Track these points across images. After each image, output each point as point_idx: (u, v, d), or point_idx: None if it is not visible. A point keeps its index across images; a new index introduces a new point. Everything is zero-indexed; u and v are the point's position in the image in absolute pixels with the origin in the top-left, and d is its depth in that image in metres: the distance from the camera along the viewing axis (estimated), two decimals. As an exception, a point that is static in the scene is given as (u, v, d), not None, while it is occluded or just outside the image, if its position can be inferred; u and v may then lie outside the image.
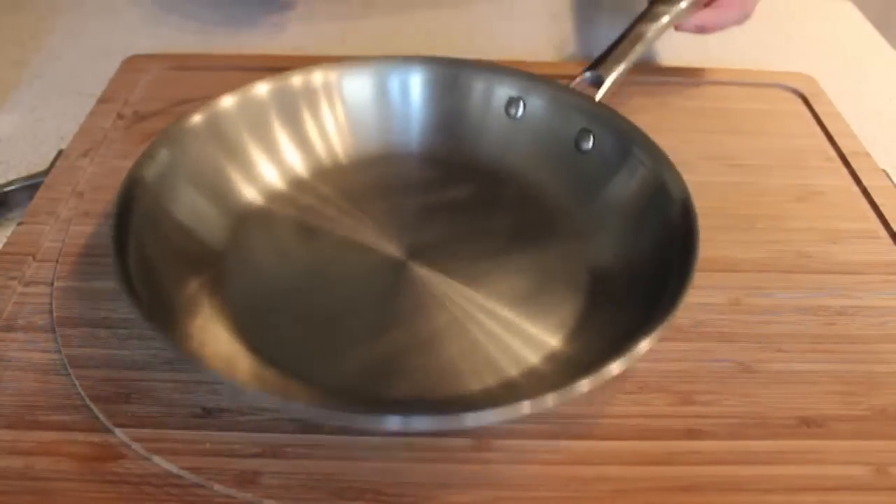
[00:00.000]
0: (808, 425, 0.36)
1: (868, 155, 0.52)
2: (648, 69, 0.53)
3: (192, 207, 0.42)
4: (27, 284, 0.41)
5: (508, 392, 0.36)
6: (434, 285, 0.41)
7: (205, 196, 0.43)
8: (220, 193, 0.44)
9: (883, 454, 0.35)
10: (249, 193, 0.45)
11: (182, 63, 0.59)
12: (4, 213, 0.47)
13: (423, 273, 0.41)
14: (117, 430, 0.34)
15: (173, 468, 0.33)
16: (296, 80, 0.48)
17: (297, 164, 0.47)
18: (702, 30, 0.57)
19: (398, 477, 0.33)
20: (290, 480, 0.33)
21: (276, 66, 0.58)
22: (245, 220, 0.44)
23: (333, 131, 0.49)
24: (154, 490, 0.32)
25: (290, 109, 0.48)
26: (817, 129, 0.55)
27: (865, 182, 0.50)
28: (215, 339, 0.37)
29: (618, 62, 0.50)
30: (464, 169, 0.49)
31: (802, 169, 0.51)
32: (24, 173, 0.49)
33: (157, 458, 0.33)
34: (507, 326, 0.39)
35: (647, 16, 0.53)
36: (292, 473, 0.33)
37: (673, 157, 0.42)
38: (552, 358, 0.38)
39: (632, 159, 0.43)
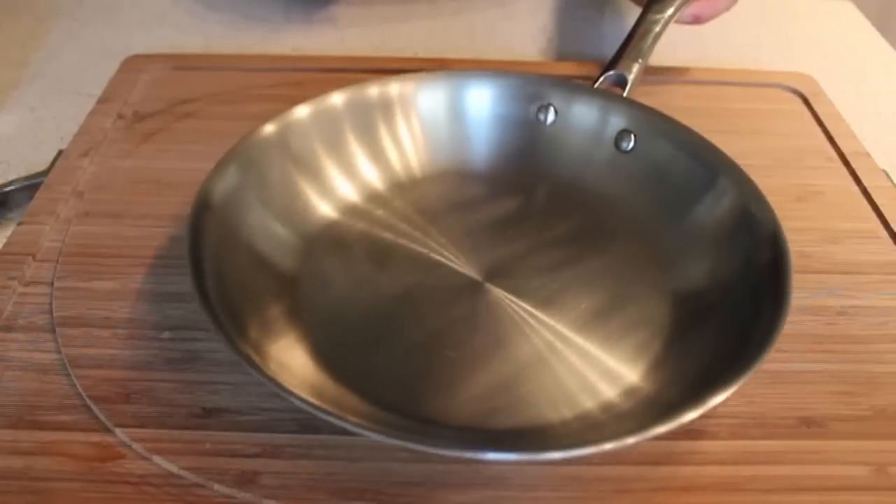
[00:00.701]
0: (808, 425, 0.36)
1: (868, 155, 0.52)
2: (648, 69, 0.53)
3: (262, 229, 0.41)
4: (27, 284, 0.41)
5: (588, 426, 0.35)
6: (512, 310, 0.40)
7: (275, 215, 0.42)
8: (291, 211, 0.43)
9: (883, 454, 0.35)
10: (323, 209, 0.44)
11: (182, 63, 0.59)
12: (4, 213, 0.47)
13: (500, 296, 0.40)
14: (117, 430, 0.34)
15: (173, 468, 0.33)
16: (372, 91, 0.47)
17: (374, 177, 0.47)
18: (697, 20, 0.57)
19: (398, 477, 0.33)
20: (290, 480, 0.33)
21: (275, 67, 0.59)
22: (317, 240, 0.43)
23: (409, 144, 0.48)
24: (154, 490, 0.32)
25: (365, 121, 0.47)
26: (817, 129, 0.55)
27: (865, 182, 0.50)
28: (303, 372, 0.36)
29: (634, 59, 0.51)
30: (532, 183, 0.48)
31: (802, 169, 0.51)
32: (24, 173, 0.49)
33: (157, 458, 0.33)
34: (583, 357, 0.38)
35: (650, 10, 0.54)
36: (292, 473, 0.33)
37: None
38: (630, 393, 0.36)
39: (716, 181, 0.43)
